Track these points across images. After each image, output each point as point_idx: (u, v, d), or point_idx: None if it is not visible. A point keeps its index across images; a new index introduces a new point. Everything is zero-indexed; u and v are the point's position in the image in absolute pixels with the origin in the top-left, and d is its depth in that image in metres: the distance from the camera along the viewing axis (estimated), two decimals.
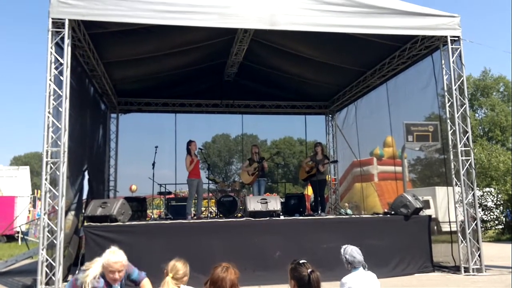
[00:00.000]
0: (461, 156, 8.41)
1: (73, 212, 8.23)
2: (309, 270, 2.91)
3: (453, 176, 8.46)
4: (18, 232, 18.49)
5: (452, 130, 8.59)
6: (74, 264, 8.02)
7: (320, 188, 10.40)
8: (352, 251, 3.59)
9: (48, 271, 6.88)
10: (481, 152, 18.56)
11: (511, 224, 16.52)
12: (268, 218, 8.17)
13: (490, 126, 38.91)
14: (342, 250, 3.64)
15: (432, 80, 9.35)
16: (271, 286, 7.00)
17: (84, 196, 9.25)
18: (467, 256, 8.09)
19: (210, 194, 11.70)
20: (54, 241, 6.92)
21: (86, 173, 9.24)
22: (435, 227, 10.69)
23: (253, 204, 8.30)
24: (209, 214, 11.47)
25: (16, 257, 9.73)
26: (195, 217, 9.45)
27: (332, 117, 14.90)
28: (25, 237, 17.26)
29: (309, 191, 13.19)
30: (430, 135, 9.59)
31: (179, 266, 3.34)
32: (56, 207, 7.01)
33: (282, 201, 10.21)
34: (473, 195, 8.37)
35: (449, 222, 8.97)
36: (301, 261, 3.00)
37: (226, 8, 7.87)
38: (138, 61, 10.49)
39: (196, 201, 10.07)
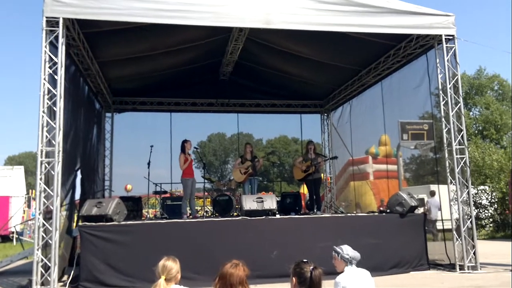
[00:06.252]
0: (456, 154, 8.44)
1: (65, 213, 8.18)
2: (311, 267, 2.95)
3: (448, 174, 8.50)
4: (12, 233, 18.39)
5: (447, 129, 8.62)
6: (69, 265, 7.98)
7: (315, 186, 10.39)
8: (350, 248, 3.65)
9: (43, 271, 6.84)
10: (475, 151, 18.65)
11: (505, 222, 16.61)
12: (264, 217, 8.17)
13: (485, 124, 39.02)
14: (340, 251, 3.64)
15: (427, 78, 9.38)
16: (268, 285, 6.98)
17: (77, 196, 9.19)
18: (462, 254, 8.12)
19: (206, 193, 11.66)
20: (49, 241, 6.89)
21: (78, 172, 9.19)
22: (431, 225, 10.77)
23: (249, 203, 8.29)
24: (204, 213, 11.43)
25: (11, 257, 9.67)
26: (190, 217, 9.43)
27: (328, 115, 14.89)
28: (20, 237, 17.18)
29: (304, 189, 13.19)
30: (425, 134, 9.63)
31: (170, 265, 3.20)
32: (51, 207, 6.97)
33: (278, 200, 10.20)
34: (468, 193, 8.41)
35: (442, 220, 9.01)
36: (304, 260, 3.04)
37: (221, 7, 7.85)
38: (132, 60, 10.45)
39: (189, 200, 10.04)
